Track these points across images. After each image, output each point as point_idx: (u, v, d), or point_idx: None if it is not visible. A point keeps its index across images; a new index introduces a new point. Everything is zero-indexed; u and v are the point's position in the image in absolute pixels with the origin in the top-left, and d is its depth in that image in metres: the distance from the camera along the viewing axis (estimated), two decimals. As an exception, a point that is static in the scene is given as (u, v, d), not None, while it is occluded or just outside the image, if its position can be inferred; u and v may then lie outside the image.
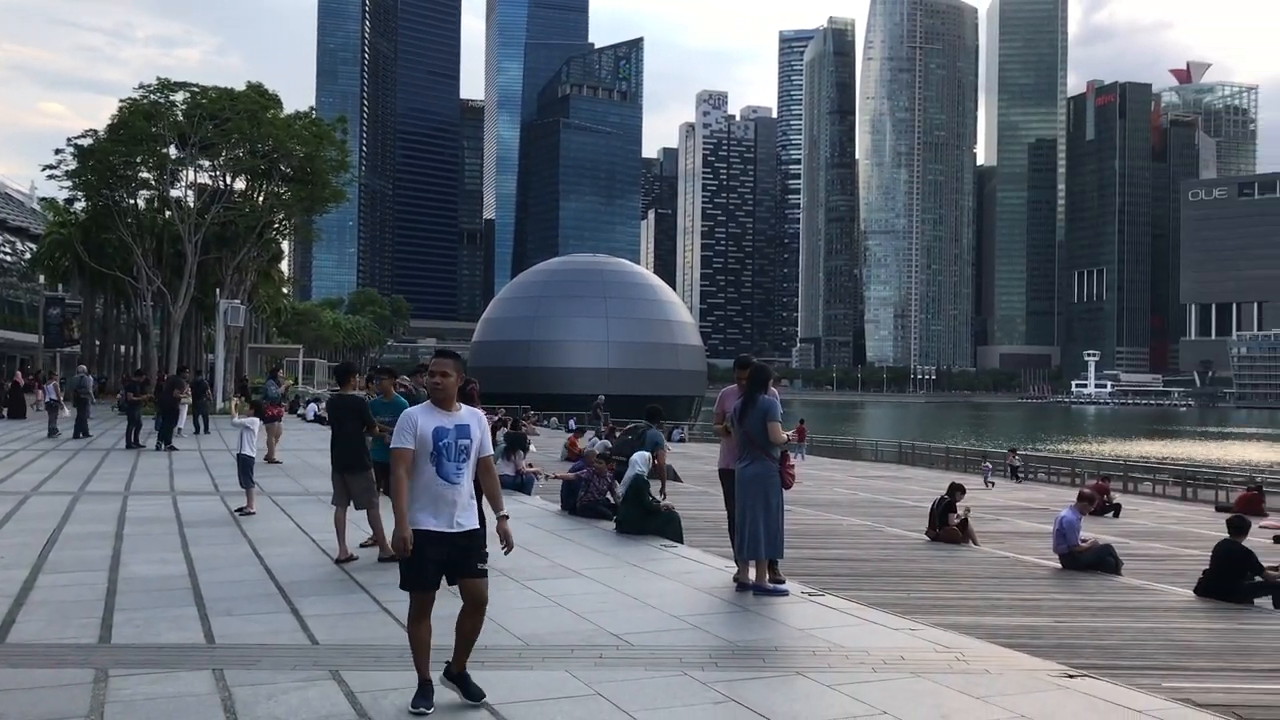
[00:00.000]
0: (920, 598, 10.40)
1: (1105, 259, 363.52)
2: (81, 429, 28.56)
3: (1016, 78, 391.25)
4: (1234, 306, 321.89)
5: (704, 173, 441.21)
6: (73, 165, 53.26)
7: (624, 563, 10.42)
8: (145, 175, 54.35)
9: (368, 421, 10.61)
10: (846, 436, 69.36)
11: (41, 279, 72.42)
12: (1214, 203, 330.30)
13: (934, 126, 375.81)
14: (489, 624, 7.65)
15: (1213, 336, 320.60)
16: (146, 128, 50.56)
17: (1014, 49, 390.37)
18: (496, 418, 25.39)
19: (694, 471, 26.29)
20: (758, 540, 9.12)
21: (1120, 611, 10.36)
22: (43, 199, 72.81)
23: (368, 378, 18.17)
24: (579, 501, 14.10)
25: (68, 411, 31.34)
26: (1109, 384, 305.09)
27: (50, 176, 54.46)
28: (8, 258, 75.72)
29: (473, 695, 5.70)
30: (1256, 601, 11.28)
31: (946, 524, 15.16)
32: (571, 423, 47.04)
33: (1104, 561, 13.00)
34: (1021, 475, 40.57)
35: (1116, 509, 24.46)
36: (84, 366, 37.93)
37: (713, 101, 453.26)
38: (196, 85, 53.16)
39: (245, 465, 13.82)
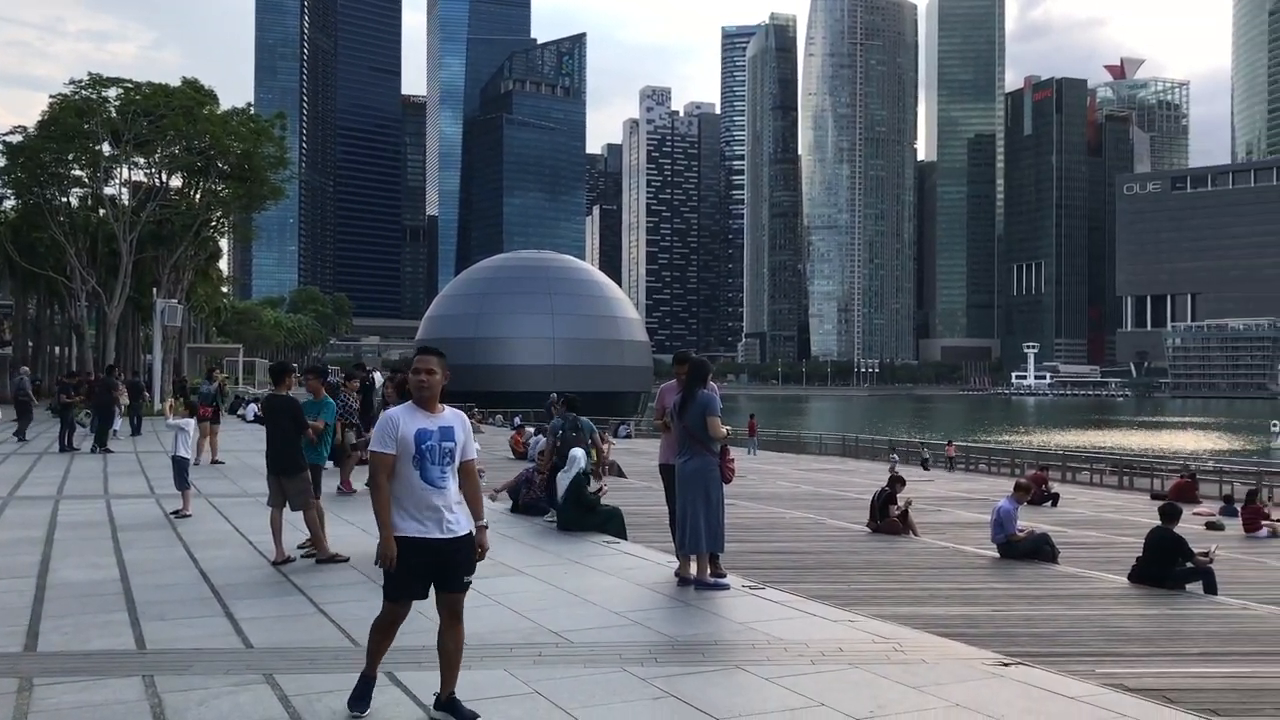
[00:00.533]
0: (860, 589, 10.48)
1: (1043, 252, 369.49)
2: (22, 432, 27.94)
3: (956, 74, 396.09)
4: (1168, 298, 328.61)
5: (648, 169, 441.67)
6: (1, 163, 52.02)
7: (566, 560, 10.39)
8: (78, 173, 53.23)
9: (301, 423, 10.46)
10: (791, 430, 69.77)
11: (-30, 280, 70.65)
12: (1148, 196, 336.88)
13: (875, 122, 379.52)
14: (428, 623, 7.60)
15: (1148, 328, 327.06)
16: (78, 124, 49.52)
17: (953, 45, 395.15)
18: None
19: (639, 467, 26.29)
20: (698, 535, 9.14)
21: (1056, 599, 10.52)
22: (-30, 198, 71.03)
23: (346, 376, 17.98)
24: (521, 500, 14.03)
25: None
26: (1048, 375, 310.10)
27: (-22, 175, 53.19)
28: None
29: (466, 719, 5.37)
30: (1188, 587, 11.50)
31: (887, 516, 15.30)
32: (516, 420, 46.87)
33: (1041, 550, 13.20)
34: (956, 466, 41.19)
35: (1055, 498, 24.89)
36: (26, 369, 37.03)
37: (656, 97, 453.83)
38: (130, 81, 52.14)
39: (180, 467, 13.59)
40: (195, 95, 52.37)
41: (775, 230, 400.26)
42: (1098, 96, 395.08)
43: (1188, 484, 28.47)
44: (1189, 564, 11.59)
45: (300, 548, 10.50)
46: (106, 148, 51.71)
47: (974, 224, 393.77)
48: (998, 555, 13.32)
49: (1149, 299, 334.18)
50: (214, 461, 21.24)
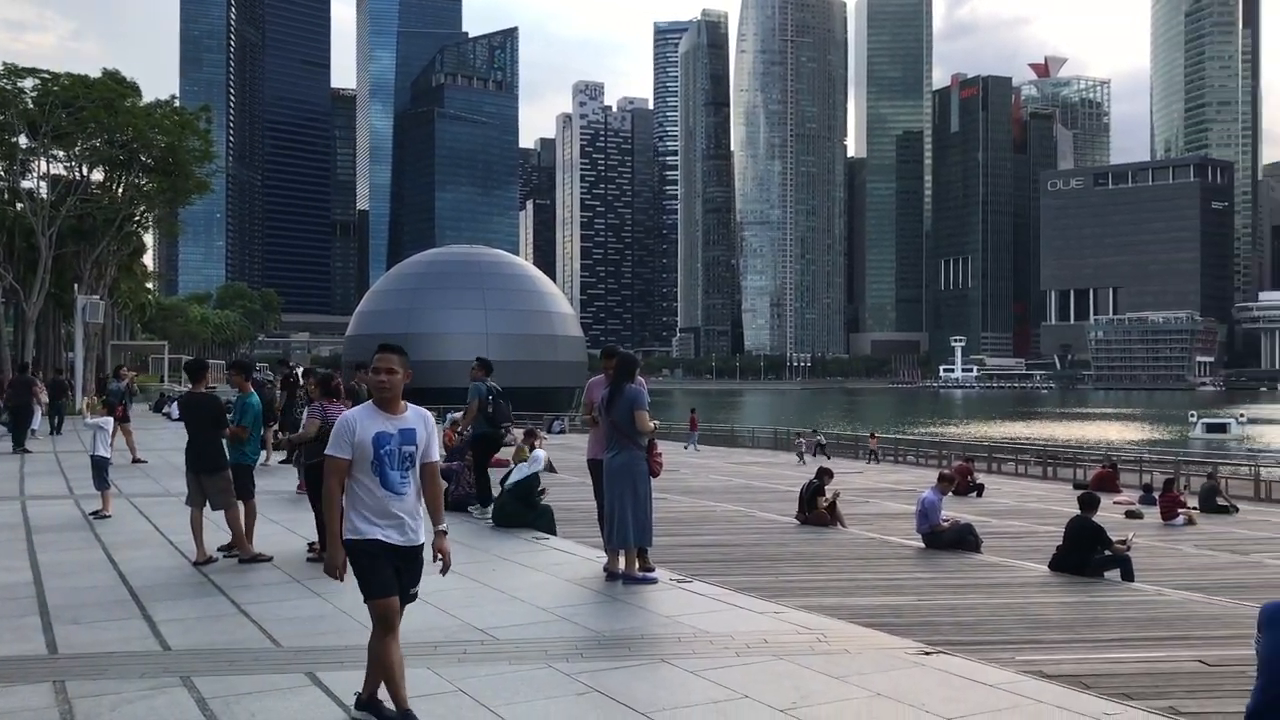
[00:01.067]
0: (788, 581, 10.56)
1: (970, 247, 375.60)
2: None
3: (884, 71, 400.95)
4: (1091, 292, 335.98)
5: (582, 163, 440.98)
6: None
7: (494, 556, 10.34)
8: (-8, 165, 51.79)
9: (222, 421, 10.26)
10: (724, 424, 70.16)
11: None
12: (1071, 192, 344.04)
13: (806, 119, 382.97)
14: (349, 622, 7.54)
15: (1071, 321, 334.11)
16: (-8, 116, 48.17)
17: (882, 43, 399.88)
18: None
19: (571, 462, 26.23)
20: (626, 529, 9.15)
21: (978, 588, 10.70)
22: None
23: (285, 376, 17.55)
24: (450, 495, 13.92)
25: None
26: (975, 368, 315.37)
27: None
28: None
29: None
30: (1106, 574, 11.76)
31: (815, 507, 15.45)
32: (449, 416, 46.48)
33: (964, 540, 13.41)
34: (880, 458, 41.76)
35: (980, 489, 25.30)
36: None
37: (589, 92, 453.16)
38: (47, 71, 50.83)
39: (100, 467, 13.29)
40: (116, 87, 51.18)
41: (709, 226, 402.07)
42: (1023, 94, 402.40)
43: (1109, 474, 29.12)
44: (1107, 552, 11.85)
45: (222, 549, 10.32)
46: (23, 140, 50.33)
47: (903, 220, 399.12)
48: (923, 545, 13.51)
49: (1072, 293, 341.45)
50: (135, 461, 20.79)
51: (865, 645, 7.21)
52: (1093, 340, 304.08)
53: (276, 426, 20.53)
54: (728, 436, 56.94)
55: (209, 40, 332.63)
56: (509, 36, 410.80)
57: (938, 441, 52.72)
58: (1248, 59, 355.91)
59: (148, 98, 53.63)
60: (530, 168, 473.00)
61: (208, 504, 10.16)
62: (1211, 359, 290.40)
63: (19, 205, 51.72)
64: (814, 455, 38.29)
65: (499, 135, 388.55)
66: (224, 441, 10.35)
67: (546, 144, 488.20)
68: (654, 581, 9.12)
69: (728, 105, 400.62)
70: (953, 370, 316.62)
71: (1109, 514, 19.60)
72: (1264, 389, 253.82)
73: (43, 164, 52.59)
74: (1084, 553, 11.75)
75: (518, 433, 18.76)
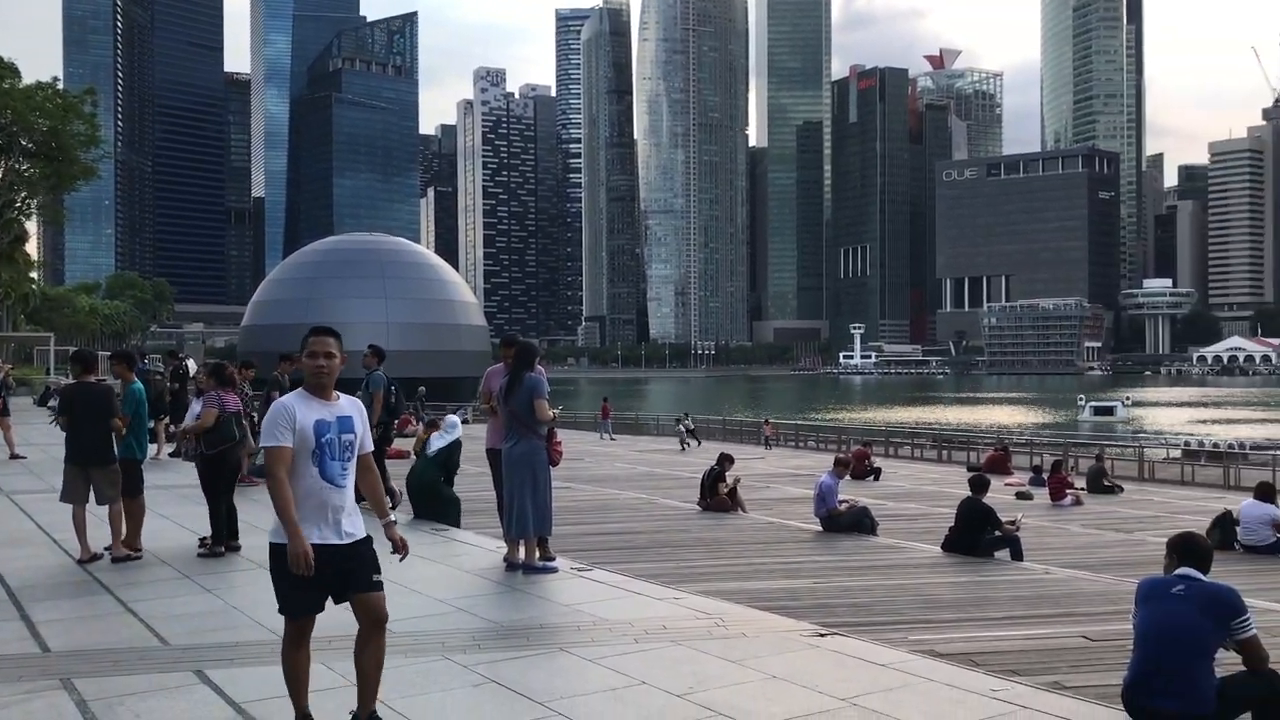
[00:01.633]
0: (688, 567, 10.64)
1: (869, 236, 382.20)
2: None
3: (785, 61, 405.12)
4: (984, 280, 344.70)
5: (484, 150, 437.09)
6: None
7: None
8: None
9: (114, 412, 9.88)
10: (629, 412, 70.31)
11: None
12: (965, 182, 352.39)
13: (708, 108, 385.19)
14: (241, 618, 7.37)
15: (966, 308, 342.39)
16: None
17: (782, 33, 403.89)
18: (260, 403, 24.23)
19: (471, 452, 26.04)
20: (526, 519, 9.10)
21: (874, 570, 10.91)
22: None
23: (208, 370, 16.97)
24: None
25: None
26: (873, 355, 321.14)
27: None
28: None
29: None
30: (996, 554, 12.08)
31: (716, 493, 15.59)
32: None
33: (861, 523, 13.66)
34: (774, 444, 42.29)
35: (877, 473, 25.79)
36: None
37: (491, 79, 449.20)
38: (-83, 51, 48.51)
39: (-24, 464, 12.75)
40: (-7, 68, 49.16)
41: (613, 214, 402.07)
42: (918, 86, 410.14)
43: (1001, 456, 29.91)
44: (997, 532, 12.17)
45: (108, 550, 9.96)
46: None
47: (803, 209, 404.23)
48: (821, 529, 13.72)
49: (966, 281, 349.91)
50: (13, 456, 20.01)
51: (762, 629, 7.29)
52: (986, 327, 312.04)
53: (168, 419, 20.00)
54: (633, 424, 57.08)
55: (94, 21, 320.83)
56: (408, 21, 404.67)
57: (837, 427, 53.61)
58: (1132, 53, 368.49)
59: (28, 80, 51.57)
60: (431, 154, 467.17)
61: (92, 499, 9.78)
62: (1099, 344, 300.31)
63: (-111, 191, 49.46)
64: (683, 442, 38.60)
65: (399, 121, 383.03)
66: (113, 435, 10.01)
67: (448, 130, 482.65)
68: (554, 571, 9.10)
69: (630, 93, 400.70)
70: (852, 357, 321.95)
71: (1000, 495, 20.15)
72: (1148, 373, 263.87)
73: (-85, 148, 50.33)
74: (975, 534, 12.05)
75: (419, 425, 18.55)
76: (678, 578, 9.65)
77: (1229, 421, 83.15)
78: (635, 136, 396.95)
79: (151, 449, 16.28)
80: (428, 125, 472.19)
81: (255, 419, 16.38)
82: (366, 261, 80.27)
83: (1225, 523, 14.41)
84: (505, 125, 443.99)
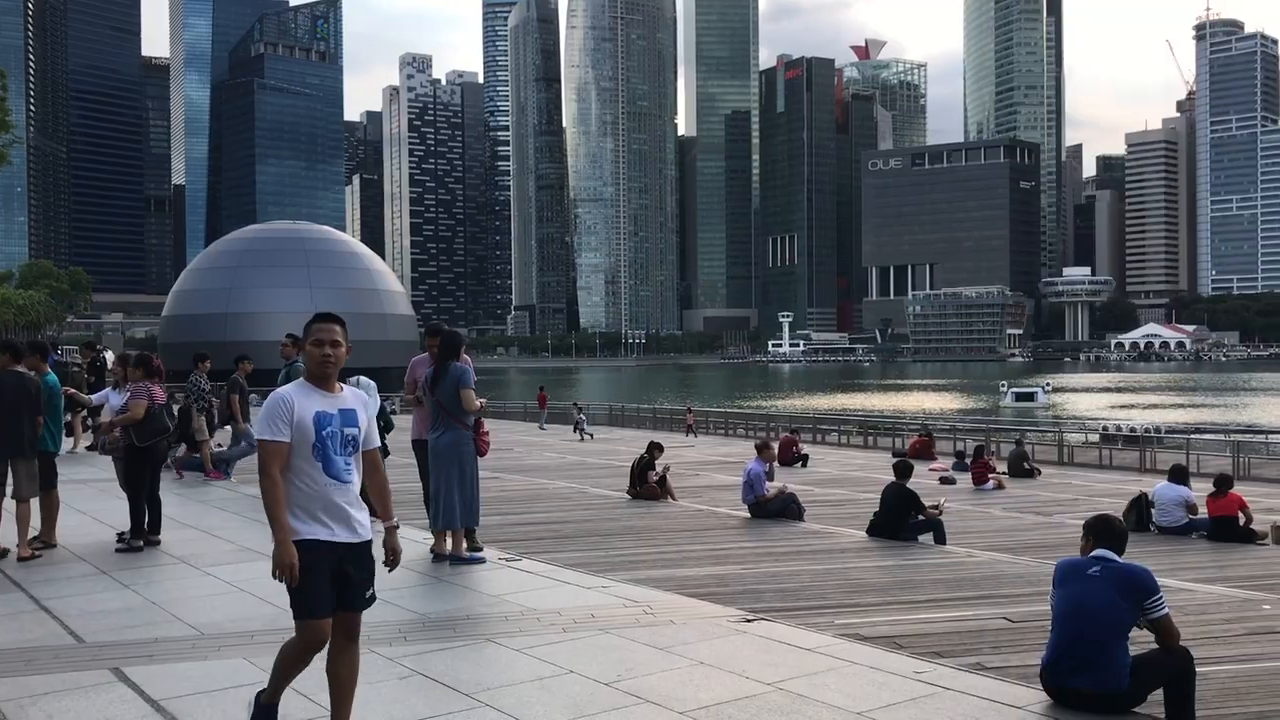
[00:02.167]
0: (617, 555, 10.65)
1: (796, 225, 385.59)
2: None
3: (713, 50, 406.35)
4: (909, 268, 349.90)
5: (410, 138, 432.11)
6: None
7: (317, 541, 10.05)
8: None
9: (39, 402, 9.52)
10: (560, 402, 70.14)
11: None
12: (890, 172, 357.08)
13: (637, 96, 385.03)
14: (160, 614, 7.22)
15: (891, 296, 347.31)
16: None
17: (710, 22, 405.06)
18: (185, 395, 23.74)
19: (396, 443, 25.79)
20: (453, 510, 9.04)
21: (801, 555, 11.01)
22: None
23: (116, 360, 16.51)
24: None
25: None
26: (801, 343, 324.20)
27: None
28: None
29: None
30: (920, 539, 12.27)
31: (646, 482, 15.62)
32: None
33: (789, 509, 13.79)
34: (697, 432, 42.55)
35: (805, 459, 26.06)
36: None
37: (417, 65, 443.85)
38: None
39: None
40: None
41: (542, 202, 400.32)
42: (845, 76, 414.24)
43: (925, 442, 30.41)
44: (921, 517, 12.36)
45: (31, 545, 9.62)
46: None
47: (732, 198, 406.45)
48: (749, 516, 13.83)
49: (892, 269, 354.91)
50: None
51: (690, 615, 7.33)
52: (911, 315, 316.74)
53: (85, 412, 19.48)
54: (564, 414, 56.94)
55: (3, 1, 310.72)
56: (332, 6, 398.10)
57: (766, 414, 54.04)
58: (1052, 45, 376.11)
59: (-67, 61, 49.82)
60: (356, 142, 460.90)
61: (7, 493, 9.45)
62: (1020, 331, 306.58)
63: None
64: (575, 430, 38.74)
65: (323, 108, 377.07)
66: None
67: (373, 117, 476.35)
68: (482, 561, 9.05)
69: (559, 81, 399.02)
70: (781, 345, 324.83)
71: (924, 480, 20.47)
72: (1067, 359, 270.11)
73: None
74: (899, 518, 12.23)
75: None
76: (607, 566, 9.66)
77: (1145, 406, 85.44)
78: (564, 124, 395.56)
79: (67, 443, 15.89)
80: (353, 112, 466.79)
81: (213, 412, 16.04)
82: (290, 250, 79.08)
83: (1141, 505, 14.79)
84: (432, 112, 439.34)
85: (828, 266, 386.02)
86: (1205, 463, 26.88)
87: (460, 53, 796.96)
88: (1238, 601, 9.06)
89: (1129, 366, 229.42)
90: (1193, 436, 35.29)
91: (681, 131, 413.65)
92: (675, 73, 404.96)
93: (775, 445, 19.79)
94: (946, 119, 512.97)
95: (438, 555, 9.19)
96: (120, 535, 9.96)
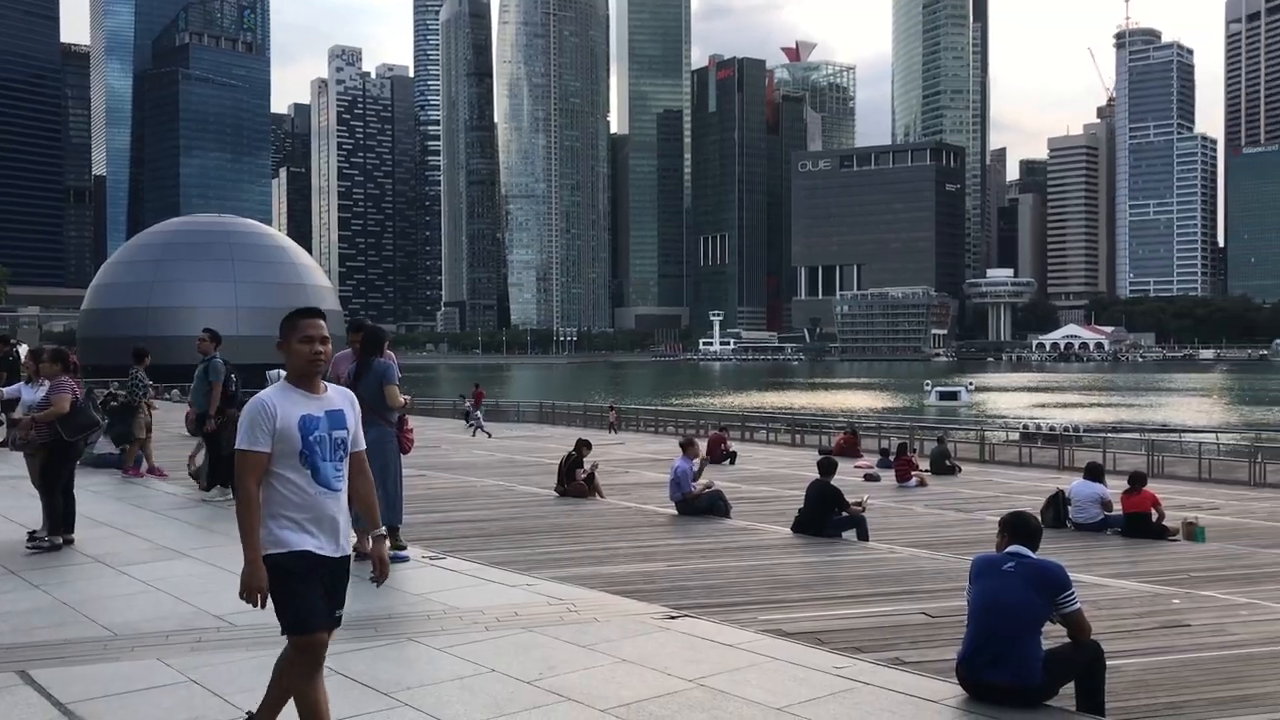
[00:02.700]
0: (544, 553, 10.62)
1: (728, 225, 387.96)
2: None
3: (645, 49, 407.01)
4: (837, 268, 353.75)
5: (339, 131, 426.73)
6: None
7: (236, 539, 9.79)
8: None
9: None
10: (490, 399, 69.74)
11: None
12: (820, 173, 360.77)
13: (569, 93, 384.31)
14: (71, 614, 7.04)
15: (820, 296, 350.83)
16: None
17: (642, 20, 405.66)
18: (108, 392, 23.19)
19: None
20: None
21: (727, 552, 11.07)
22: None
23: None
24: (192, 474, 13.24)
25: None
26: (732, 341, 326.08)
27: None
28: None
29: None
30: (844, 535, 12.41)
31: (574, 479, 15.60)
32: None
33: (715, 506, 13.86)
34: (619, 429, 42.58)
35: (733, 456, 26.19)
36: None
37: (346, 57, 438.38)
38: None
39: None
40: None
41: (473, 198, 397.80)
42: (775, 77, 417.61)
43: (850, 439, 30.76)
44: (844, 513, 12.50)
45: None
46: None
47: (664, 197, 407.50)
48: (676, 513, 13.88)
49: (820, 269, 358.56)
50: None
51: (615, 613, 7.34)
52: (839, 314, 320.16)
53: (-3, 408, 18.93)
54: (494, 411, 56.66)
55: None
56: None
57: (695, 412, 54.31)
58: (978, 50, 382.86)
59: None
60: (284, 134, 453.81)
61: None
62: (945, 331, 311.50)
63: None
64: (473, 424, 38.68)
65: (250, 99, 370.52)
66: None
67: (301, 110, 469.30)
68: (405, 560, 8.97)
69: (491, 76, 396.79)
70: (711, 343, 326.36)
71: (849, 477, 20.73)
72: (990, 359, 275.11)
73: None
74: (823, 515, 12.36)
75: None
76: (532, 564, 9.63)
77: (1064, 406, 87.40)
78: (496, 120, 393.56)
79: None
80: (280, 104, 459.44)
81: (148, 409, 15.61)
82: (215, 244, 77.82)
83: (1058, 502, 15.10)
84: (361, 105, 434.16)
85: (758, 266, 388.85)
86: (1121, 460, 27.55)
87: (390, 46, 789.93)
88: (1149, 596, 9.30)
89: (1050, 366, 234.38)
90: (1109, 435, 36.23)
91: (614, 129, 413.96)
92: (608, 70, 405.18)
93: (701, 443, 19.85)
94: (875, 121, 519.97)
95: (359, 554, 9.06)
96: (32, 534, 9.70)
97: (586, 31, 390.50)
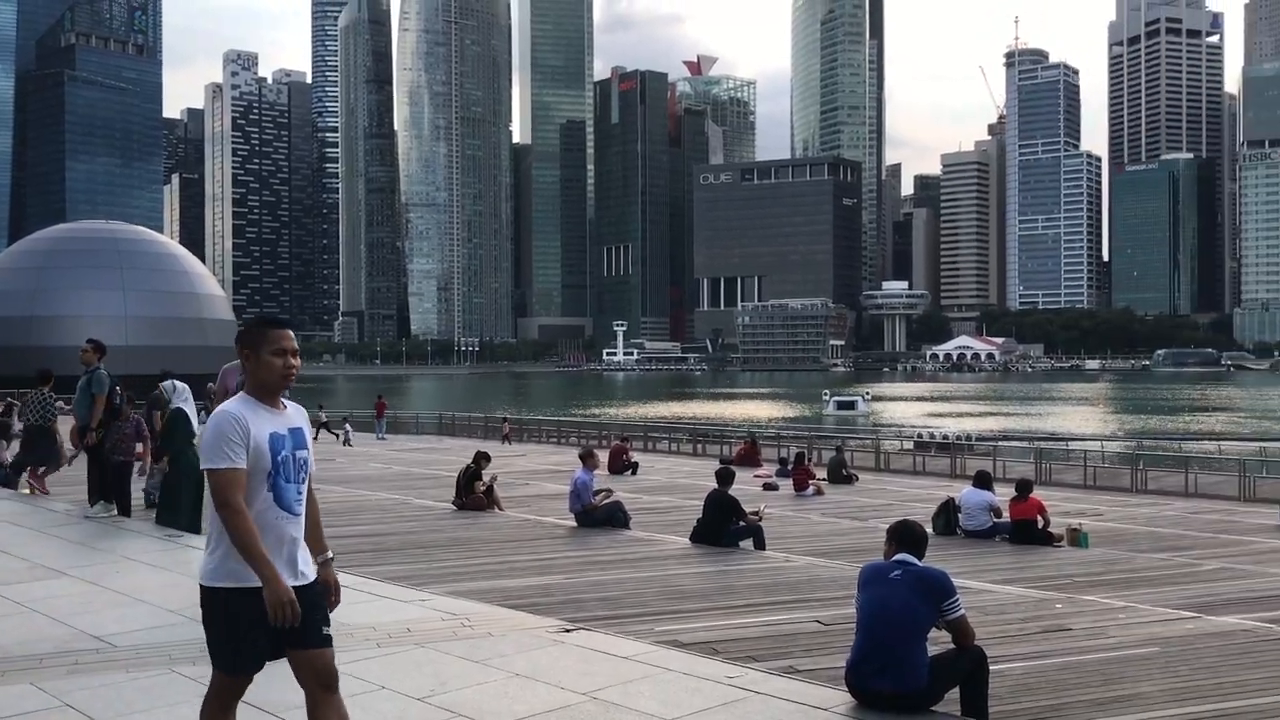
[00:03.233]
0: (440, 567, 10.51)
1: (631, 236, 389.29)
2: None
3: (548, 59, 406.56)
4: (739, 280, 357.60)
5: (234, 136, 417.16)
6: None
7: (118, 557, 9.58)
8: None
9: None
10: (388, 411, 68.77)
11: None
12: (721, 186, 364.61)
13: (471, 102, 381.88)
14: (15, 623, 6.73)
15: (722, 307, 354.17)
16: None
17: (545, 30, 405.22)
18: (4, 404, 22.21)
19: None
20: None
21: (624, 563, 11.09)
22: None
23: None
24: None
25: None
26: (635, 352, 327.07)
27: None
28: None
29: None
30: (741, 544, 12.52)
31: (472, 492, 15.47)
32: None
33: (615, 517, 13.87)
34: (512, 440, 42.37)
35: (634, 467, 26.25)
36: None
37: (242, 62, 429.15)
38: None
39: None
40: None
41: (372, 206, 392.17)
42: (677, 90, 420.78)
43: (750, 449, 31.13)
44: (741, 523, 12.62)
45: None
46: None
47: (567, 207, 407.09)
48: (576, 524, 13.85)
49: (722, 280, 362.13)
50: None
51: (509, 627, 7.29)
52: (740, 325, 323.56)
53: None
54: (392, 423, 55.87)
55: None
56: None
57: (598, 423, 54.30)
58: (874, 67, 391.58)
59: None
60: (176, 139, 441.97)
61: None
62: (843, 342, 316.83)
63: None
64: (337, 433, 38.29)
65: (140, 103, 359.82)
66: None
67: (194, 115, 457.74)
68: (296, 575, 8.77)
69: (391, 83, 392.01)
70: (615, 354, 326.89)
71: (748, 486, 20.92)
72: (886, 369, 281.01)
73: None
74: (720, 525, 12.46)
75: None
76: (427, 579, 9.53)
77: (957, 415, 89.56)
78: (395, 128, 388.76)
79: None
80: (172, 109, 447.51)
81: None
82: (103, 251, 75.48)
83: (949, 509, 15.45)
84: (257, 111, 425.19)
85: (661, 277, 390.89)
86: (1011, 469, 28.34)
87: (288, 51, 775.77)
88: (1033, 601, 9.57)
89: (943, 376, 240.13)
90: (1000, 444, 37.22)
91: (517, 139, 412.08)
92: (510, 80, 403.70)
93: (602, 454, 19.87)
94: (775, 135, 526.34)
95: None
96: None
97: (488, 40, 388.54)
